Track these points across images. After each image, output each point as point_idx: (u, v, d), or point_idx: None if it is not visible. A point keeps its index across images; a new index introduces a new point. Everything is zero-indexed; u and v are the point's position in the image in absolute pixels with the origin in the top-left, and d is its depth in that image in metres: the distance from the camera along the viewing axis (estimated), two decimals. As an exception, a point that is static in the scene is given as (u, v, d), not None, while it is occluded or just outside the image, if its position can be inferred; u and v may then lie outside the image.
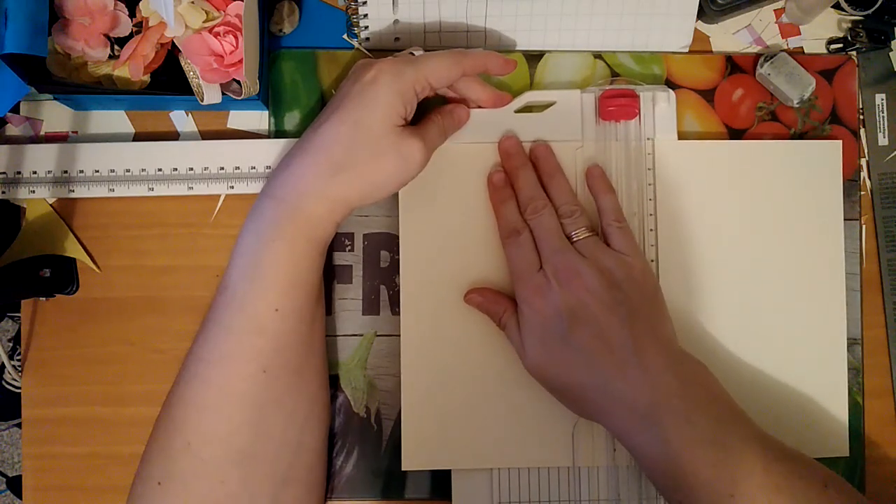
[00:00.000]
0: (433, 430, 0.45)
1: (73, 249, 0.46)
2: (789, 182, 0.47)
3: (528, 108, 0.47)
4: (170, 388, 0.40)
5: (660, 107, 0.46)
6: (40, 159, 0.45)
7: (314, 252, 0.40)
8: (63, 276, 0.46)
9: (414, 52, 0.43)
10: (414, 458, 0.45)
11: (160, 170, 0.45)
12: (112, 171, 0.45)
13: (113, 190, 0.45)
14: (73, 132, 0.47)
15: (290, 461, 0.40)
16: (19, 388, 0.46)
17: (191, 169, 0.45)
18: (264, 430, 0.39)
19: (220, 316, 0.39)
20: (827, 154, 0.47)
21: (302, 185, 0.39)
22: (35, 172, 0.45)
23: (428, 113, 0.44)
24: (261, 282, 0.38)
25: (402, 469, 0.45)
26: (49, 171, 0.45)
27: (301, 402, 0.41)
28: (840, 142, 0.47)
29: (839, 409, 0.46)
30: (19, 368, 0.46)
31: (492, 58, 0.43)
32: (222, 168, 0.45)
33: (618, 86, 0.47)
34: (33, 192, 0.45)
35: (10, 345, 0.46)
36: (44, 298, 0.46)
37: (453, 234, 0.45)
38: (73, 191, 0.45)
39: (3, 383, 0.47)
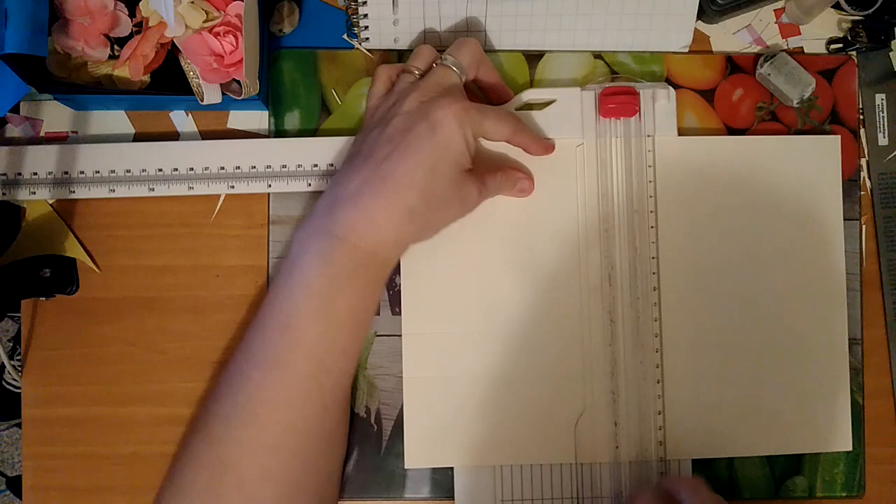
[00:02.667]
0: (435, 428, 0.45)
1: (73, 249, 0.46)
2: (789, 177, 0.47)
3: (528, 106, 0.47)
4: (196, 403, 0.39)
5: (660, 104, 0.46)
6: (40, 160, 0.45)
7: (381, 291, 0.41)
8: (63, 276, 0.45)
9: (447, 62, 0.42)
10: (416, 456, 0.45)
11: (160, 170, 0.45)
12: (112, 171, 0.45)
13: (114, 190, 0.45)
14: (72, 132, 0.47)
15: (324, 483, 0.41)
16: (19, 387, 0.46)
17: (191, 169, 0.45)
18: (312, 462, 0.39)
19: (284, 357, 0.38)
20: (826, 149, 0.47)
21: (378, 232, 0.38)
22: (35, 173, 0.45)
23: (497, 167, 0.44)
24: (333, 327, 0.38)
25: (405, 467, 0.45)
26: (49, 172, 0.45)
27: (341, 431, 0.42)
28: (839, 137, 0.47)
29: (842, 405, 0.46)
30: (19, 368, 0.46)
31: (537, 141, 0.44)
32: (223, 168, 0.45)
33: (618, 83, 0.47)
34: (34, 193, 0.45)
35: (11, 345, 0.46)
36: (44, 298, 0.46)
37: (454, 232, 0.45)
38: (74, 191, 0.45)
39: (3, 383, 0.47)
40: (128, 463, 0.45)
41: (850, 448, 0.46)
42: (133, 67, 0.42)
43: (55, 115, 0.47)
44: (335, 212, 0.39)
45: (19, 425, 0.46)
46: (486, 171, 0.43)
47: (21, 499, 0.46)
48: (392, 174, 0.38)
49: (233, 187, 0.46)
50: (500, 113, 0.42)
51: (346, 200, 0.38)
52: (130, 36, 0.43)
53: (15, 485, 0.46)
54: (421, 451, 0.45)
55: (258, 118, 0.47)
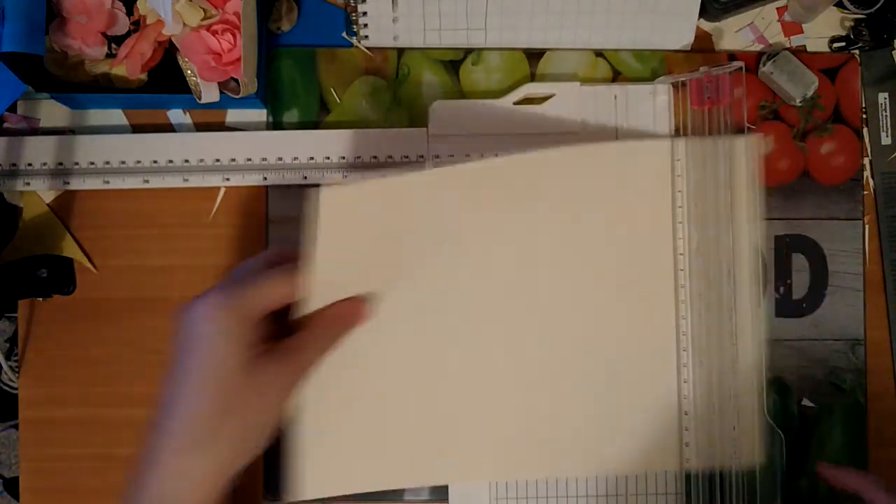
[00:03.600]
0: (335, 453, 0.41)
1: (70, 249, 0.46)
2: (617, 186, 0.43)
3: (527, 100, 0.46)
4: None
5: (660, 99, 0.46)
6: (35, 151, 0.45)
7: None
8: (60, 277, 0.45)
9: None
10: (310, 484, 0.40)
11: (155, 161, 0.45)
12: (107, 162, 0.45)
13: (108, 182, 0.45)
14: (70, 131, 0.46)
15: None
16: (16, 388, 0.46)
17: (186, 161, 0.45)
18: None
19: None
20: (654, 154, 0.44)
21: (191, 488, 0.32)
22: (30, 164, 0.45)
23: (308, 321, 0.36)
24: None
25: (292, 500, 0.41)
26: (44, 164, 0.45)
27: None
28: (667, 141, 0.45)
29: (670, 421, 0.44)
30: (16, 369, 0.46)
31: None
32: (218, 160, 0.45)
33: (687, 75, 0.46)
34: (28, 184, 0.45)
35: (7, 345, 0.46)
36: (41, 299, 0.45)
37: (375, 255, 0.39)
38: (69, 183, 0.45)
39: (0, 384, 0.47)
40: (125, 464, 0.45)
41: (678, 468, 0.45)
42: (130, 66, 0.42)
43: (52, 113, 0.46)
44: (144, 466, 0.33)
45: (16, 426, 0.46)
46: (298, 338, 0.36)
47: (18, 500, 0.45)
48: (168, 408, 0.33)
49: (228, 179, 0.45)
50: (268, 271, 0.35)
51: (147, 459, 0.33)
52: (128, 34, 0.43)
53: (12, 486, 0.46)
54: (317, 478, 0.41)
55: (256, 117, 0.47)
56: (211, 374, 0.33)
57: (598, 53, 0.48)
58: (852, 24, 0.48)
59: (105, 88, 0.44)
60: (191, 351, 0.33)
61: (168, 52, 0.43)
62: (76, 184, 0.45)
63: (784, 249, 0.48)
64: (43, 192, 0.46)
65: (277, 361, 0.34)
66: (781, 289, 0.48)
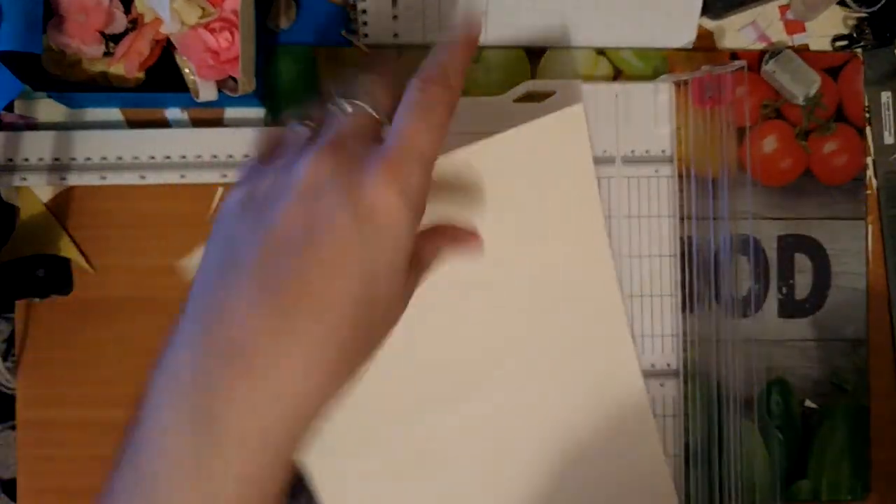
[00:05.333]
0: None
1: (67, 249, 0.45)
2: (535, 172, 0.39)
3: (527, 98, 0.46)
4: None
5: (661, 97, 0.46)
6: (32, 147, 0.45)
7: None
8: (57, 277, 0.45)
9: (356, 104, 0.28)
10: None
11: (152, 157, 0.45)
12: (104, 158, 0.45)
13: (105, 178, 0.45)
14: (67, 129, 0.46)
15: None
16: (13, 389, 0.45)
17: (183, 156, 0.45)
18: None
19: None
20: (568, 126, 0.39)
21: (289, 406, 0.24)
22: (27, 159, 0.45)
23: (435, 230, 0.31)
24: None
25: None
26: (41, 159, 0.45)
27: None
28: (580, 107, 0.40)
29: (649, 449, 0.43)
30: (13, 370, 0.45)
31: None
32: (215, 156, 0.45)
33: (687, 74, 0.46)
34: (24, 179, 0.45)
35: (4, 346, 0.46)
36: (38, 299, 0.45)
37: None
38: (65, 179, 0.45)
39: (-2, 385, 0.47)
40: (123, 465, 0.45)
41: None
42: (128, 64, 0.42)
43: (50, 112, 0.46)
44: (215, 379, 0.25)
45: (13, 427, 0.45)
46: (421, 243, 0.28)
47: (15, 502, 0.45)
48: (304, 310, 0.24)
49: (225, 176, 0.45)
50: (417, 126, 0.27)
51: (234, 357, 0.24)
52: (125, 32, 0.43)
53: (9, 488, 0.45)
54: None
55: (254, 116, 0.47)
56: (382, 270, 0.25)
57: (600, 52, 0.48)
58: (855, 22, 0.48)
59: (103, 87, 0.43)
60: (363, 236, 0.24)
61: (166, 51, 0.43)
62: (73, 179, 0.45)
63: (787, 250, 0.47)
64: (40, 189, 0.46)
65: (414, 270, 0.28)
66: (784, 289, 0.47)
